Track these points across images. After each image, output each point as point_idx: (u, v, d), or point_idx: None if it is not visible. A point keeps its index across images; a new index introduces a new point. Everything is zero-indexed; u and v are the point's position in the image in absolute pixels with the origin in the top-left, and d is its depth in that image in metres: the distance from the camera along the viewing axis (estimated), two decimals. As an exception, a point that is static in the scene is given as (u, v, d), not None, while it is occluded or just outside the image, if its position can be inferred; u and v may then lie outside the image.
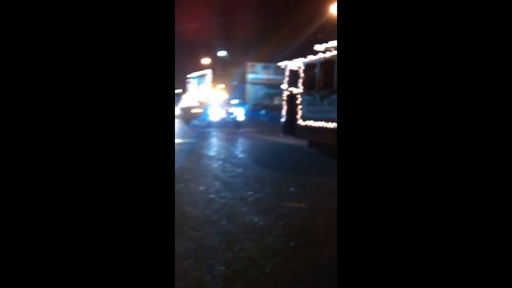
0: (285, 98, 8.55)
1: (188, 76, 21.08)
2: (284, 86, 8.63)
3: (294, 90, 8.13)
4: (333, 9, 17.37)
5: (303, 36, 21.98)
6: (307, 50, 8.09)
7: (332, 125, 6.66)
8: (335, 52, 6.75)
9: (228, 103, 16.59)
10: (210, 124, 14.96)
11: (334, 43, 7.10)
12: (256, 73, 29.47)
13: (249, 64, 29.47)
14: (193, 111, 16.51)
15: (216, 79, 20.68)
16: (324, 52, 7.22)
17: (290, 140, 8.88)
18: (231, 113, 15.60)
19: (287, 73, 8.52)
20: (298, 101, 7.75)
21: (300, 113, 7.71)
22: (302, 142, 8.14)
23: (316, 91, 7.17)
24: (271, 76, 28.55)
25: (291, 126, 8.12)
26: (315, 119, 7.15)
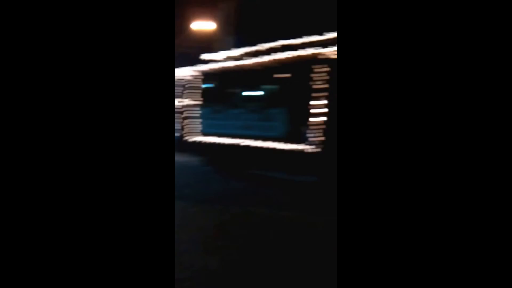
0: (181, 110, 7.50)
1: None
2: (178, 97, 7.58)
3: (188, 102, 7.23)
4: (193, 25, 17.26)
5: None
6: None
7: (237, 141, 6.02)
8: (239, 62, 6.17)
9: None
10: None
11: (237, 51, 6.51)
12: None
13: None
14: None
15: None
16: (225, 60, 6.56)
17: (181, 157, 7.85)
18: None
19: (178, 82, 7.55)
20: (194, 114, 6.86)
21: (197, 127, 6.82)
22: (193, 159, 7.23)
23: (220, 103, 6.44)
24: None
25: (184, 141, 7.15)
26: (218, 135, 6.40)
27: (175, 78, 7.32)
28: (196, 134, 6.81)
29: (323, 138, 4.75)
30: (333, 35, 4.91)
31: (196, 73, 7.01)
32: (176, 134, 7.57)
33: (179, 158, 8.41)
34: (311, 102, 4.84)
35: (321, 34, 5.16)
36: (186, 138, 6.99)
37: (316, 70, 4.82)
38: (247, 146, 5.75)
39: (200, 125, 6.78)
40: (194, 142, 6.83)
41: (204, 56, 6.92)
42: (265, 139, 5.47)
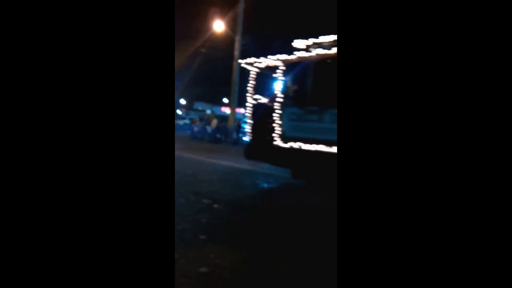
0: (250, 109, 6.24)
1: None
2: (249, 93, 6.31)
3: (266, 100, 6.00)
4: (215, 27, 17.29)
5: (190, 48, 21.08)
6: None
7: (334, 149, 4.73)
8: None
9: None
10: None
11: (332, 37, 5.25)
12: None
13: None
14: None
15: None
16: (319, 47, 5.30)
17: (255, 167, 6.68)
18: None
19: (252, 75, 6.30)
20: (275, 115, 5.59)
21: (278, 131, 5.57)
22: (272, 169, 6.03)
23: (310, 102, 5.18)
24: None
25: (260, 148, 5.88)
26: (306, 141, 5.13)
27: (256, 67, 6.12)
28: (276, 138, 5.54)
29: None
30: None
31: (277, 63, 5.74)
32: (245, 138, 6.40)
33: (252, 167, 7.39)
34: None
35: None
36: (262, 142, 5.74)
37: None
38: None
39: (283, 127, 5.51)
40: (274, 148, 5.55)
41: (297, 43, 5.63)
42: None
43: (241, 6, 16.42)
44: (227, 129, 16.73)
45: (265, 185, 5.80)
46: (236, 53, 16.47)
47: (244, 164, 7.83)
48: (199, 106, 34.85)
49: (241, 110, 18.89)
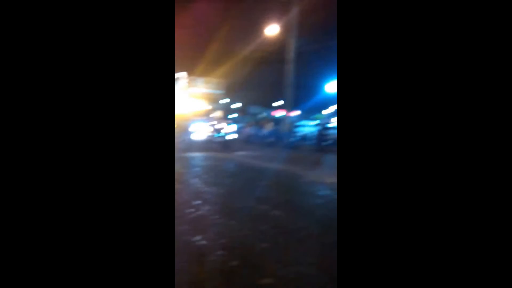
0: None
1: None
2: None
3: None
4: (270, 30, 17.27)
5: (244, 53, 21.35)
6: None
7: None
8: None
9: (211, 118, 12.80)
10: (190, 146, 10.90)
11: None
12: (195, 87, 28.25)
13: (190, 77, 28.14)
14: None
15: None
16: None
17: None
18: (220, 131, 11.59)
19: None
20: None
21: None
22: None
23: None
24: (210, 90, 27.31)
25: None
26: None
27: None
28: None
29: None
30: None
31: None
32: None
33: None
34: None
35: None
36: None
37: None
38: None
39: None
40: None
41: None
42: None
43: (295, 9, 16.28)
44: (281, 133, 16.61)
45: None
46: (291, 55, 16.33)
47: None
48: (254, 109, 35.31)
49: (296, 113, 18.71)
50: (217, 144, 11.50)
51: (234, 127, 12.25)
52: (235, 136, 12.26)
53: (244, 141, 16.14)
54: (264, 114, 28.88)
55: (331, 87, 24.65)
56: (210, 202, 4.25)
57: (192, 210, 3.90)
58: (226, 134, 11.56)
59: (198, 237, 2.97)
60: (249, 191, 5.07)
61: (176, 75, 16.12)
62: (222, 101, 28.78)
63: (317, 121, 18.21)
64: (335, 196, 4.83)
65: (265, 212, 3.88)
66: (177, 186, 5.13)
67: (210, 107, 14.01)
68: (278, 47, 18.54)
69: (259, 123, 18.46)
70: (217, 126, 11.50)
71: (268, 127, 16.79)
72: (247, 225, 3.37)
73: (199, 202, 4.22)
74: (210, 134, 11.21)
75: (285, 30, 16.70)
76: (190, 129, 11.01)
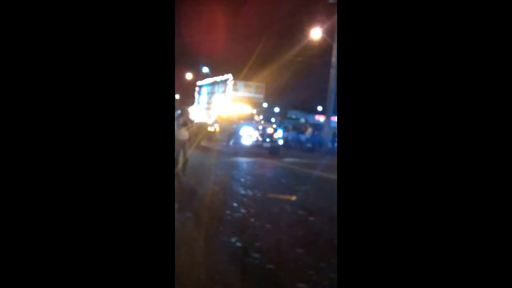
0: None
1: (198, 83, 17.93)
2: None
3: None
4: (312, 34, 16.95)
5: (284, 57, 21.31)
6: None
7: None
8: None
9: (258, 122, 12.37)
10: (238, 150, 10.64)
11: None
12: (237, 91, 28.63)
13: (232, 81, 28.58)
14: (209, 129, 12.92)
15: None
16: None
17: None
18: (269, 136, 11.25)
19: None
20: None
21: None
22: None
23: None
24: (251, 95, 27.52)
25: None
26: None
27: None
28: None
29: None
30: None
31: None
32: None
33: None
34: None
35: None
36: None
37: None
38: None
39: None
40: None
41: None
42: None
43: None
44: (322, 138, 16.39)
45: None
46: (334, 59, 16.11)
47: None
48: (293, 114, 35.17)
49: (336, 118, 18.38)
50: (265, 150, 11.24)
51: (281, 132, 11.94)
52: (282, 142, 12.01)
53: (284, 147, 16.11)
54: (303, 120, 28.64)
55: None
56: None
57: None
58: (275, 139, 11.39)
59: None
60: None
61: (222, 77, 16.33)
62: (263, 106, 28.96)
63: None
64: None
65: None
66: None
67: (254, 111, 13.97)
68: (322, 51, 18.39)
69: (298, 128, 18.33)
70: (266, 132, 11.31)
71: (308, 133, 16.63)
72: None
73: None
74: (258, 139, 11.12)
75: (330, 34, 16.51)
76: (240, 133, 10.99)
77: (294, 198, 4.92)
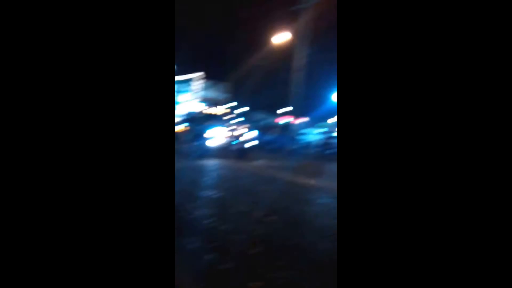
0: None
1: None
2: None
3: None
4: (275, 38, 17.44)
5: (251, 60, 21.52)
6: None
7: None
8: None
9: (228, 123, 12.08)
10: (204, 152, 10.07)
11: None
12: (205, 90, 28.21)
13: (201, 80, 28.08)
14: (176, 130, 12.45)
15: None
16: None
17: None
18: (238, 137, 10.83)
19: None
20: None
21: None
22: None
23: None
24: (219, 94, 27.23)
25: None
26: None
27: None
28: None
29: None
30: None
31: None
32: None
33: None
34: None
35: None
36: None
37: None
38: None
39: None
40: None
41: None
42: None
43: (303, 18, 16.37)
44: (285, 139, 16.61)
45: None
46: (297, 63, 16.41)
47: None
48: (258, 115, 35.40)
49: (301, 121, 18.70)
50: (233, 152, 10.80)
51: (254, 133, 11.31)
52: (255, 143, 11.35)
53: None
54: (269, 120, 28.93)
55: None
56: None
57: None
58: (245, 141, 10.81)
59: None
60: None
61: (191, 75, 16.03)
62: (229, 105, 28.86)
63: (323, 129, 18.16)
64: (334, 205, 4.88)
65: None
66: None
67: (223, 110, 13.62)
68: (286, 55, 18.66)
69: (262, 129, 18.50)
70: (236, 133, 10.75)
71: (272, 133, 16.82)
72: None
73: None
74: (227, 140, 10.61)
75: (294, 39, 16.79)
76: (205, 135, 10.42)
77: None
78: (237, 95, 31.58)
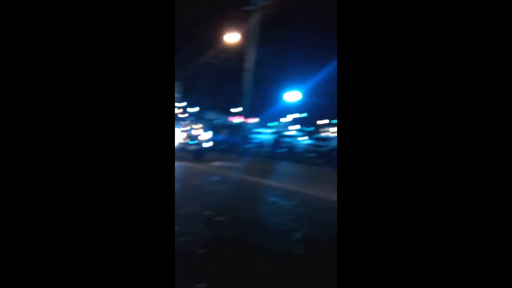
0: None
1: None
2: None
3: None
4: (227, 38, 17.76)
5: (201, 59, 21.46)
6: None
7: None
8: None
9: (183, 123, 11.25)
10: None
11: None
12: None
13: None
14: None
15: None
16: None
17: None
18: (196, 138, 10.40)
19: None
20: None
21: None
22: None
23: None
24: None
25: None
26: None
27: None
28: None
29: None
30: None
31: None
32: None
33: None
34: None
35: None
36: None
37: None
38: None
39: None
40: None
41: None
42: None
43: (254, 18, 16.49)
44: (237, 139, 16.65)
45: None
46: (248, 64, 16.49)
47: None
48: (209, 115, 35.18)
49: (253, 121, 18.84)
50: (189, 153, 10.29)
51: (209, 134, 11.01)
52: (211, 144, 11.10)
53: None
54: (220, 120, 28.85)
55: (288, 96, 25.19)
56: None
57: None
58: (201, 142, 10.52)
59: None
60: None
61: None
62: (180, 105, 28.31)
63: (274, 129, 18.43)
64: (283, 202, 4.97)
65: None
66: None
67: (176, 110, 13.10)
68: (237, 56, 18.69)
69: (215, 129, 18.39)
70: (192, 133, 10.35)
71: (224, 133, 16.79)
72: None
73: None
74: (182, 141, 10.06)
75: (245, 39, 16.87)
76: None
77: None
78: (188, 94, 31.16)
